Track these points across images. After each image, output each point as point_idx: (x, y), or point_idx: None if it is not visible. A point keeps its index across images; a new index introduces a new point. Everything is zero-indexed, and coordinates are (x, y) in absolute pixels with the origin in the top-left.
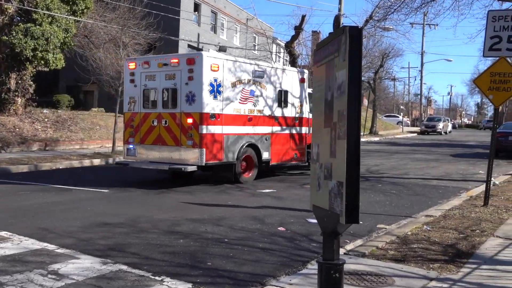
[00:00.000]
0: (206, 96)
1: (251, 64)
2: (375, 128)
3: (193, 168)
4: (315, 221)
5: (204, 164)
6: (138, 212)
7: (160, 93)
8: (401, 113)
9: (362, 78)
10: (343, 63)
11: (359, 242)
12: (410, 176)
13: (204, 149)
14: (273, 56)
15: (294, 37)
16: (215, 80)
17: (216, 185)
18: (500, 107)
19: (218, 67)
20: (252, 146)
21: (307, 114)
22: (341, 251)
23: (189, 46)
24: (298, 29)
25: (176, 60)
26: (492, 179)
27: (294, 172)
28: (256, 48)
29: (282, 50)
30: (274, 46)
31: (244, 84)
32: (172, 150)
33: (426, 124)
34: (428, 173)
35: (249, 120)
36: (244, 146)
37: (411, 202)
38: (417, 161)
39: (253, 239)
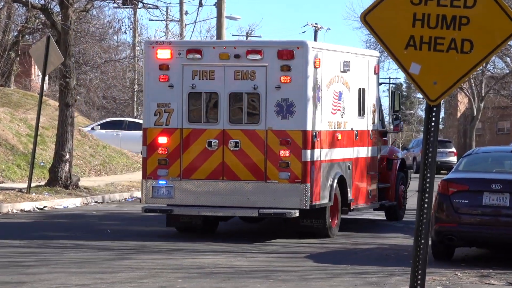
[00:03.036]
0: (310, 107)
1: (342, 52)
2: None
3: (296, 212)
4: None
5: (309, 207)
6: None
7: (225, 100)
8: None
9: None
10: None
11: None
12: None
13: (309, 185)
14: None
15: None
16: (316, 82)
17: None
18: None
19: (319, 62)
20: (339, 179)
21: (379, 124)
22: None
23: None
24: None
25: (259, 51)
26: None
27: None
28: None
29: None
30: None
31: (334, 83)
32: (247, 188)
33: None
34: None
35: (338, 139)
36: (336, 179)
37: None
38: None
39: None
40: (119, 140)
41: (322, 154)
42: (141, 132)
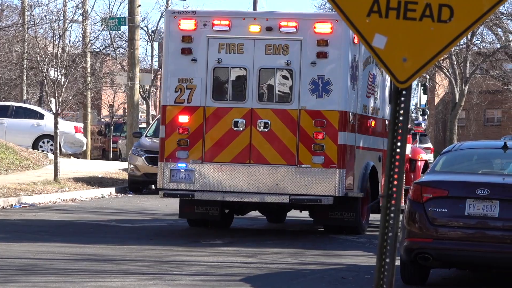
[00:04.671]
0: (348, 86)
1: None
2: None
3: (330, 200)
4: None
5: (343, 195)
6: None
7: (254, 76)
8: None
9: None
10: None
11: None
12: None
13: (345, 171)
14: None
15: None
16: (355, 59)
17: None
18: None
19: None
20: (372, 170)
21: None
22: None
23: None
24: None
25: (294, 24)
26: None
27: None
28: None
29: None
30: None
31: (369, 64)
32: (277, 173)
33: None
34: None
35: (371, 125)
36: (369, 170)
37: None
38: None
39: None
40: (3, 130)
41: (357, 139)
42: (31, 121)
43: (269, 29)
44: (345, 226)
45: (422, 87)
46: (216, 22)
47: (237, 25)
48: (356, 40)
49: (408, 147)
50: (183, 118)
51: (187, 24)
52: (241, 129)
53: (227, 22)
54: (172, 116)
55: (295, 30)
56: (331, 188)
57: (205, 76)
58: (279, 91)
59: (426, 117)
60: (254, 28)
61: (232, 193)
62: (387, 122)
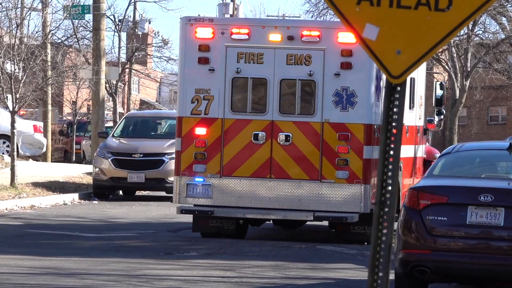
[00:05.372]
0: (373, 97)
1: None
2: None
3: (356, 217)
4: None
5: (368, 211)
6: None
7: (275, 87)
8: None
9: None
10: None
11: None
12: None
13: (369, 186)
14: None
15: None
16: (379, 69)
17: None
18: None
19: None
20: None
21: (420, 119)
22: None
23: None
24: None
25: (317, 33)
26: None
27: None
28: None
29: None
30: None
31: None
32: (299, 188)
33: None
34: None
35: None
36: None
37: None
38: None
39: None
40: None
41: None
42: None
43: (290, 38)
44: (368, 240)
45: (438, 86)
46: (234, 30)
47: (257, 34)
48: None
49: (422, 148)
50: (200, 131)
51: (204, 32)
52: (261, 142)
53: (246, 31)
54: (188, 128)
55: (318, 39)
56: (356, 205)
57: (223, 86)
58: (301, 102)
59: (442, 117)
60: (275, 37)
61: (253, 210)
62: (407, 128)
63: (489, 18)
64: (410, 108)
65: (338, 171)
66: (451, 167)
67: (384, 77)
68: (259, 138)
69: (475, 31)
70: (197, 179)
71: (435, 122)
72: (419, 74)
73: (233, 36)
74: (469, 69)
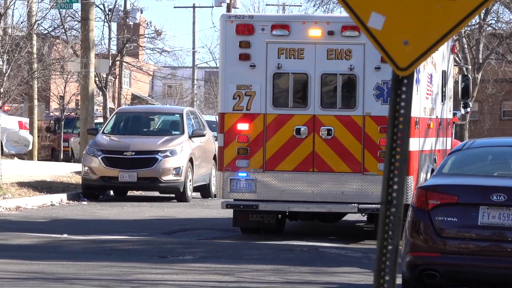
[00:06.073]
0: (414, 91)
1: None
2: None
3: None
4: None
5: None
6: None
7: (316, 82)
8: None
9: None
10: None
11: None
12: None
13: (412, 178)
14: None
15: None
16: None
17: None
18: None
19: None
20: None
21: (450, 112)
22: None
23: None
24: None
25: (357, 27)
26: None
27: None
28: None
29: None
30: None
31: (428, 64)
32: (342, 181)
33: None
34: None
35: (430, 127)
36: (429, 173)
37: None
38: None
39: None
40: None
41: (420, 143)
42: None
43: (331, 33)
44: None
45: (463, 78)
46: (275, 26)
47: (297, 30)
48: None
49: (448, 141)
50: (243, 126)
51: (244, 29)
52: (304, 136)
53: (286, 26)
54: (230, 124)
55: (358, 34)
56: None
57: (265, 82)
58: (342, 96)
59: (468, 109)
60: (315, 32)
61: (297, 203)
62: (440, 120)
63: (502, 7)
64: (442, 101)
65: (380, 163)
66: (461, 165)
67: (421, 69)
68: (301, 133)
69: (487, 20)
70: (240, 174)
71: (460, 115)
72: (449, 67)
73: (274, 32)
74: (480, 61)
